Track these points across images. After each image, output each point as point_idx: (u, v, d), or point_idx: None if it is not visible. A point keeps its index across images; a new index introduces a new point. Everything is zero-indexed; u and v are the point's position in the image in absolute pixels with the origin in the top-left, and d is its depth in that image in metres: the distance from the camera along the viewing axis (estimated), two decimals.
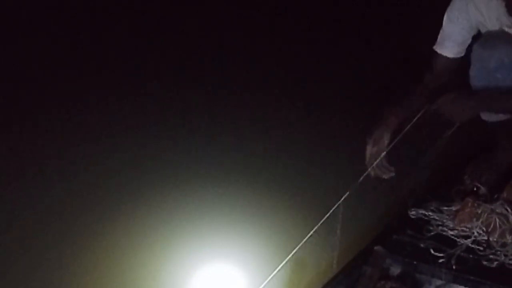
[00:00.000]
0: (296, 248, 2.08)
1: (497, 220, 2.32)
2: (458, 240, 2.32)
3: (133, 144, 3.11)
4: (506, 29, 2.40)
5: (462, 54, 2.52)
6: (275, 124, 3.28)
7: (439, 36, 2.53)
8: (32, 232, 2.53)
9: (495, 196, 2.46)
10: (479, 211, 2.37)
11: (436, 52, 2.53)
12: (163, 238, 2.48)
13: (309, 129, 3.23)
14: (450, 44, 2.50)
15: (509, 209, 2.35)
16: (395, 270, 2.24)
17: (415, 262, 2.24)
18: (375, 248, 2.25)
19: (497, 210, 2.35)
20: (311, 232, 2.11)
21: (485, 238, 2.31)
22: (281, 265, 2.03)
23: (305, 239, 2.10)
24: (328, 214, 2.14)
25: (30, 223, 2.57)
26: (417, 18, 3.85)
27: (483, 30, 2.46)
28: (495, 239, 2.29)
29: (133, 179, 2.84)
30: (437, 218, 2.43)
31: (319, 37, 4.07)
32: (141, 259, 2.39)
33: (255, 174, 2.89)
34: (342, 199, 2.15)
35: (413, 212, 2.46)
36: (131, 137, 3.17)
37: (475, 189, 2.52)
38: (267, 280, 1.97)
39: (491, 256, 2.24)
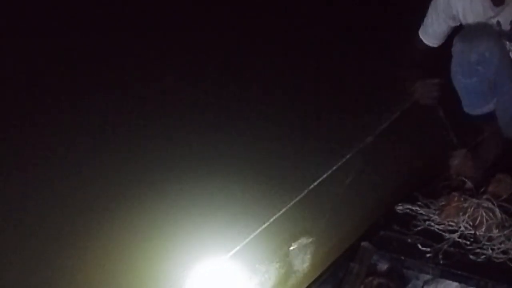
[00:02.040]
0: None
1: (484, 214, 2.32)
2: (445, 234, 2.31)
3: (130, 141, 3.10)
4: (489, 21, 2.40)
5: (437, 45, 2.62)
6: (276, 122, 3.27)
7: (423, 22, 2.63)
8: (30, 231, 2.51)
9: (481, 190, 2.46)
10: (466, 206, 2.36)
11: (418, 36, 2.64)
12: (161, 233, 2.47)
13: (309, 128, 3.22)
14: (430, 31, 2.61)
15: (495, 203, 2.35)
16: (383, 266, 2.23)
17: (402, 258, 2.23)
18: (362, 244, 2.24)
19: (483, 204, 2.35)
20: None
21: (472, 232, 2.30)
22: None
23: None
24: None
25: (28, 222, 2.56)
26: None
27: (464, 22, 2.47)
28: (481, 233, 2.29)
29: (130, 176, 2.83)
30: (423, 213, 2.42)
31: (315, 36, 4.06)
32: (139, 255, 2.37)
33: (255, 168, 2.88)
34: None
35: (400, 207, 2.45)
36: (129, 135, 3.16)
37: (461, 183, 2.52)
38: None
39: (478, 250, 2.23)
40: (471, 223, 2.32)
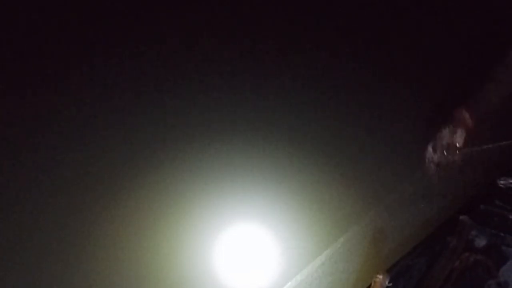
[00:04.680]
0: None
1: None
2: None
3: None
4: None
5: None
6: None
7: None
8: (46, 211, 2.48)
9: None
10: None
11: None
12: (186, 197, 2.35)
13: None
14: None
15: None
16: (481, 242, 2.17)
17: (502, 234, 2.17)
18: (461, 218, 2.19)
19: None
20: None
21: None
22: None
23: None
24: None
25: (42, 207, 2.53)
26: None
27: None
28: None
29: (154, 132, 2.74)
30: None
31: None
32: (163, 221, 2.30)
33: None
34: None
35: (503, 182, 2.36)
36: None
37: None
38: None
39: None
40: None
